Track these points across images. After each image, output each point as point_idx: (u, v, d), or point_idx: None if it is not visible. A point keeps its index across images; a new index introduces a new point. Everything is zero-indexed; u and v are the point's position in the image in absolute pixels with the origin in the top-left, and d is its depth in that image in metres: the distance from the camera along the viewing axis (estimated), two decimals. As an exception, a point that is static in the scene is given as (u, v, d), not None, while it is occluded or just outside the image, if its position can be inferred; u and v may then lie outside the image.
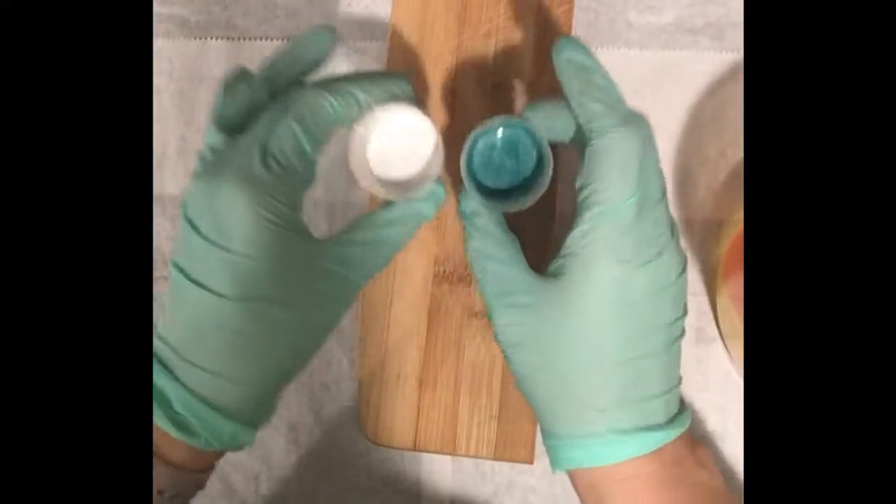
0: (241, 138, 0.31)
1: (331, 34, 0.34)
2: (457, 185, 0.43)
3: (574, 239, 0.30)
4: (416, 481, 0.44)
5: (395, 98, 0.33)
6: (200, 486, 0.34)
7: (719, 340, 0.43)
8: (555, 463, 0.33)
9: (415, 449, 0.42)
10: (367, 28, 0.46)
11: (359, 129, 0.33)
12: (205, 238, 0.30)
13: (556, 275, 0.31)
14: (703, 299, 0.44)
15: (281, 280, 0.30)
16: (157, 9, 0.47)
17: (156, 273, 0.45)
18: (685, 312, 0.33)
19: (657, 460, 0.30)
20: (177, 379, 0.31)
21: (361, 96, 0.32)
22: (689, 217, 0.44)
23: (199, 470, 0.33)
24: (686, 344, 0.43)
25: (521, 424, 0.42)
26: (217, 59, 0.46)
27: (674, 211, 0.44)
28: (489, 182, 0.35)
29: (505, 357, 0.33)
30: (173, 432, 0.30)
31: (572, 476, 0.33)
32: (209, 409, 0.31)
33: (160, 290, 0.45)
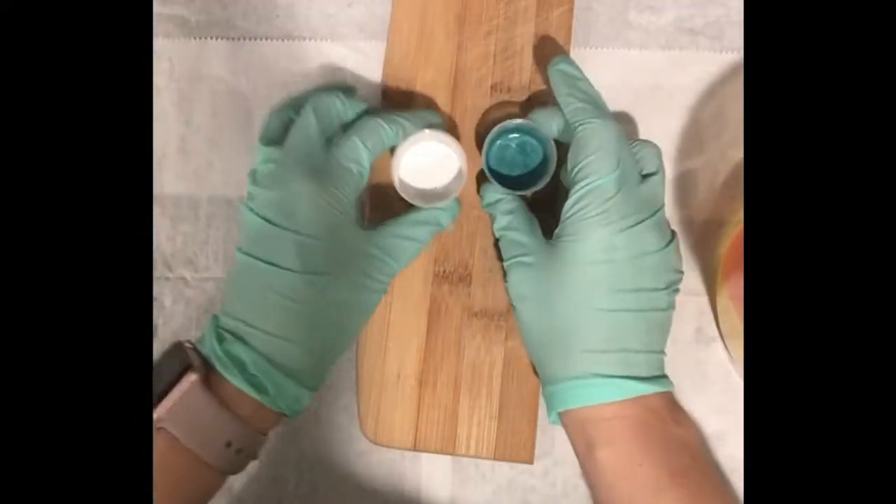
0: (294, 141, 0.38)
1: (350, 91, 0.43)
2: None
3: (567, 206, 0.37)
4: (416, 481, 0.44)
5: (430, 126, 0.42)
6: (259, 447, 0.38)
7: (719, 340, 0.43)
8: (550, 408, 0.38)
9: (415, 449, 0.42)
10: (368, 28, 0.46)
11: (403, 146, 0.41)
12: (276, 225, 0.37)
13: (555, 238, 0.38)
14: (703, 299, 0.44)
15: (338, 258, 0.37)
16: (157, 9, 0.47)
17: (156, 273, 0.45)
18: (667, 287, 0.37)
19: (637, 406, 0.35)
20: (250, 345, 0.36)
21: (407, 125, 0.40)
22: (689, 217, 0.44)
23: (262, 429, 0.37)
24: (686, 344, 0.43)
25: (521, 424, 0.42)
26: (217, 59, 0.46)
27: (674, 211, 0.44)
28: (504, 173, 0.43)
29: (513, 310, 0.39)
30: (248, 390, 0.36)
31: (565, 421, 0.38)
32: (277, 370, 0.36)
33: (160, 290, 0.45)
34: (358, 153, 0.39)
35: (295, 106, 0.40)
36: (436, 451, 0.42)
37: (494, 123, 0.42)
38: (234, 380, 0.36)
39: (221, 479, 0.37)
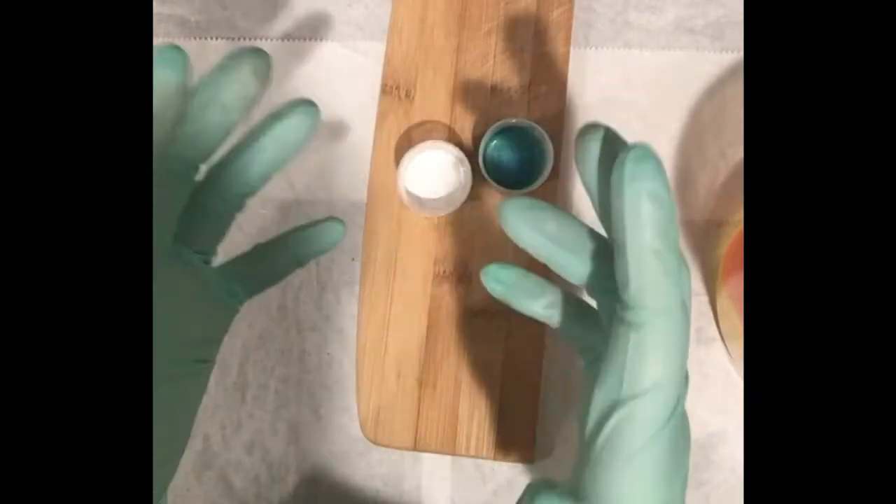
0: None
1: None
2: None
3: (597, 453, 0.26)
4: (416, 481, 0.44)
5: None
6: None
7: (719, 340, 0.43)
8: None
9: (415, 449, 0.42)
10: (367, 28, 0.46)
11: (404, 158, 0.42)
12: None
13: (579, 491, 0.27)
14: (703, 299, 0.44)
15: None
16: (157, 9, 0.47)
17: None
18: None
19: None
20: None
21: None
22: (689, 217, 0.44)
23: None
24: (686, 344, 0.43)
25: (521, 424, 0.42)
26: (217, 59, 0.46)
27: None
28: (501, 172, 0.43)
29: None
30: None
31: None
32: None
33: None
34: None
35: None
36: (436, 451, 0.42)
37: (494, 123, 0.42)
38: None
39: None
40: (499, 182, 0.42)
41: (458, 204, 0.42)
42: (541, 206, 0.27)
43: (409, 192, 0.43)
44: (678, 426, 0.26)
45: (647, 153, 0.23)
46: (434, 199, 0.43)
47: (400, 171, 0.42)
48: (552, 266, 0.27)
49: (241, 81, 0.29)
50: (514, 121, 0.42)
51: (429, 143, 0.42)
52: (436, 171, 0.43)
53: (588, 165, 0.26)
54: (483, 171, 0.42)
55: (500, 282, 0.30)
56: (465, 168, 0.42)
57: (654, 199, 0.23)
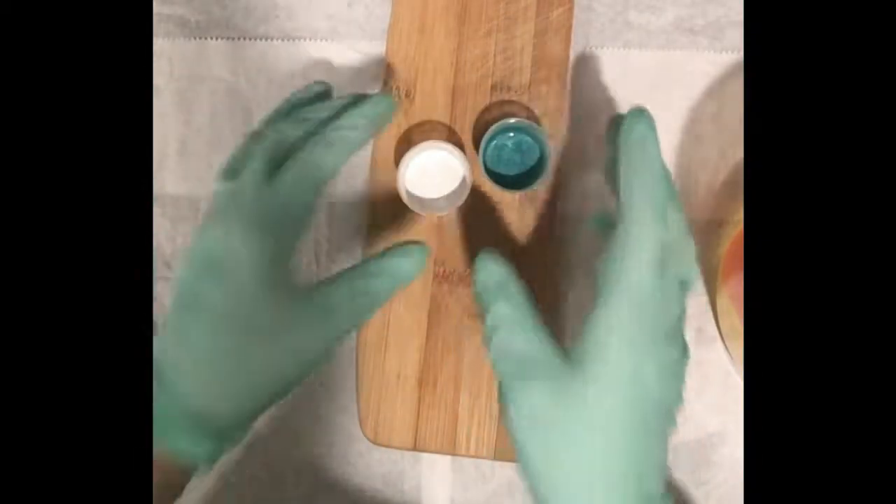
0: (243, 184, 0.33)
1: (324, 86, 0.38)
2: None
3: (594, 324, 0.31)
4: (416, 481, 0.44)
5: (385, 119, 0.36)
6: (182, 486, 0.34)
7: (719, 340, 0.43)
8: None
9: (415, 449, 0.42)
10: (367, 28, 0.46)
11: (404, 159, 0.42)
12: (202, 279, 0.32)
13: (575, 361, 0.31)
14: (703, 299, 0.44)
15: (266, 330, 0.32)
16: (157, 9, 0.47)
17: (156, 273, 0.45)
18: (682, 399, 0.33)
19: None
20: (161, 383, 0.32)
21: (356, 138, 0.35)
22: (689, 217, 0.44)
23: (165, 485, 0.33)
24: (686, 344, 0.43)
25: (521, 424, 0.42)
26: (217, 59, 0.46)
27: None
28: (501, 172, 0.43)
29: (508, 431, 0.32)
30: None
31: None
32: (180, 419, 0.32)
33: (160, 290, 0.45)
34: (303, 195, 0.33)
35: (258, 137, 0.35)
36: (436, 451, 0.42)
37: (494, 123, 0.42)
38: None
39: None
40: (499, 182, 0.42)
41: (458, 203, 0.42)
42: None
43: (409, 193, 0.42)
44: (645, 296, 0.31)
45: (642, 113, 0.33)
46: (434, 199, 0.43)
47: (400, 171, 0.42)
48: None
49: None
50: (513, 121, 0.41)
51: (429, 143, 0.42)
52: (436, 171, 0.42)
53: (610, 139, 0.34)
54: (483, 171, 0.42)
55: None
56: (466, 167, 0.42)
57: (640, 145, 0.32)
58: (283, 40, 0.46)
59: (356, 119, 0.35)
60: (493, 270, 0.33)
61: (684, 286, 0.33)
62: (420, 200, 0.43)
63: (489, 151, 0.43)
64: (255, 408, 0.34)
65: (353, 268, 0.34)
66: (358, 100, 0.36)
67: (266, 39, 0.46)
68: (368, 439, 0.43)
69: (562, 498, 0.31)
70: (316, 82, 0.39)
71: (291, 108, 0.37)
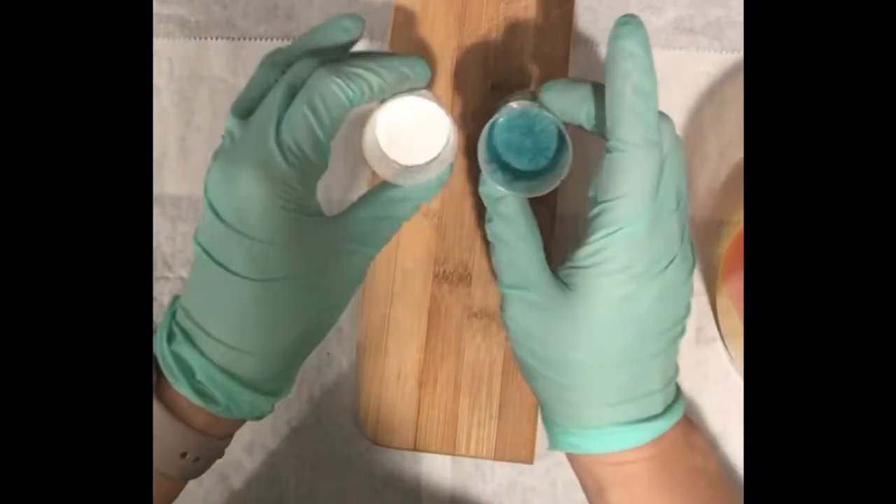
0: (255, 124, 0.32)
1: (355, 23, 0.34)
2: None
3: (586, 253, 0.31)
4: (416, 481, 0.44)
5: (409, 82, 0.33)
6: (220, 453, 0.35)
7: (719, 340, 0.43)
8: (554, 444, 0.34)
9: (415, 449, 0.42)
10: (368, 28, 0.46)
11: (375, 114, 0.34)
12: (224, 222, 0.31)
13: (566, 283, 0.32)
14: (703, 299, 0.44)
15: (298, 262, 0.32)
16: (157, 9, 0.47)
17: (156, 273, 0.45)
18: (689, 311, 0.33)
19: (653, 446, 0.32)
20: (199, 349, 0.32)
21: (375, 81, 0.32)
22: (689, 217, 0.44)
23: (220, 436, 0.34)
24: (686, 344, 0.43)
25: (521, 424, 0.42)
26: (217, 59, 0.46)
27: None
28: (511, 162, 0.35)
29: (510, 339, 0.34)
30: (195, 400, 0.32)
31: (570, 457, 0.35)
32: (229, 379, 0.32)
33: (160, 290, 0.45)
34: (309, 132, 0.31)
35: (270, 68, 0.33)
36: (436, 452, 0.42)
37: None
38: (181, 388, 0.32)
39: (181, 486, 0.35)
40: (507, 185, 0.34)
41: (443, 166, 0.35)
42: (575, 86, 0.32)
43: (379, 157, 0.35)
44: (641, 234, 0.30)
45: (628, 18, 0.30)
46: (413, 166, 0.35)
47: (366, 133, 0.34)
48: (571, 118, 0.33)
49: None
50: (516, 105, 0.34)
51: (403, 96, 0.33)
52: (412, 130, 0.34)
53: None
54: (486, 170, 0.34)
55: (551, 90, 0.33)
56: (446, 118, 0.34)
57: (627, 55, 0.29)
58: (283, 40, 0.46)
59: (381, 65, 0.32)
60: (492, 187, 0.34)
61: (679, 196, 0.32)
62: (397, 169, 0.35)
63: (497, 138, 0.34)
64: (290, 359, 0.34)
65: (373, 193, 0.35)
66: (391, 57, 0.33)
67: (266, 39, 0.46)
68: (368, 439, 0.43)
69: (556, 407, 0.33)
70: (348, 16, 0.34)
71: (313, 50, 0.34)
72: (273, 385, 0.34)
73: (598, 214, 0.30)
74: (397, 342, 0.43)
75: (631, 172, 0.29)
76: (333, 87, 0.31)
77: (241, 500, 0.44)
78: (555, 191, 0.40)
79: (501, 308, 0.34)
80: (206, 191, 0.33)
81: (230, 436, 0.36)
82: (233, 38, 0.46)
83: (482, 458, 0.42)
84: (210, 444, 0.33)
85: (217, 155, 0.33)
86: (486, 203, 0.35)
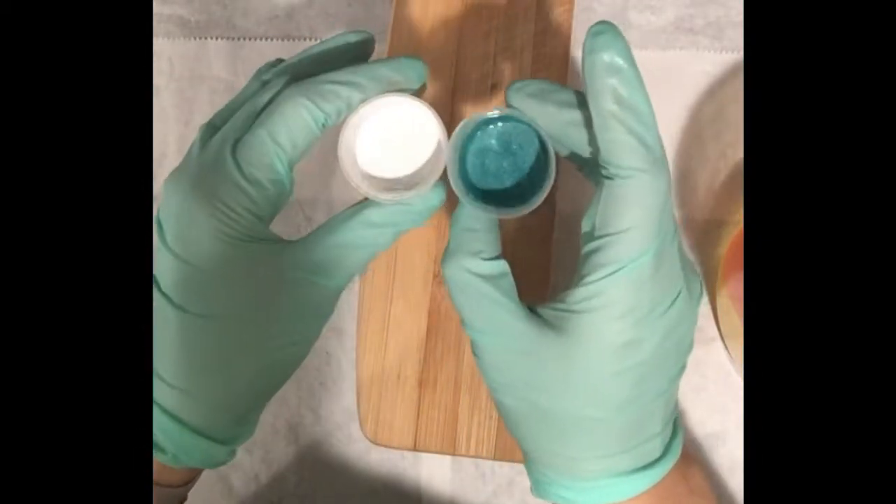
0: (213, 144, 0.29)
1: (360, 37, 0.32)
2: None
3: (581, 296, 0.27)
4: (416, 481, 0.44)
5: (402, 88, 0.29)
6: (181, 500, 0.33)
7: (719, 340, 0.43)
8: (540, 493, 0.31)
9: (415, 449, 0.42)
10: (367, 28, 0.46)
11: (352, 120, 0.29)
12: (169, 249, 0.29)
13: (558, 327, 0.27)
14: (703, 299, 0.44)
15: (247, 295, 0.28)
16: (157, 9, 0.47)
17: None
18: (692, 345, 0.30)
19: (651, 494, 0.29)
20: None
21: (356, 98, 0.28)
22: (689, 217, 0.44)
23: (175, 485, 0.31)
24: (686, 344, 0.43)
25: (521, 424, 0.42)
26: (217, 59, 0.46)
27: (674, 211, 0.44)
28: (487, 185, 0.30)
29: (488, 386, 0.30)
30: None
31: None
32: (176, 424, 0.29)
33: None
34: (266, 159, 0.28)
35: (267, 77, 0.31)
36: (436, 452, 0.42)
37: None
38: None
39: None
40: (482, 200, 0.30)
41: (422, 186, 0.29)
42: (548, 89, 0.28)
43: (357, 172, 0.30)
44: (645, 272, 0.26)
45: (603, 27, 0.25)
46: (397, 179, 0.30)
47: (342, 142, 0.29)
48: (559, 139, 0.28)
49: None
50: (494, 113, 0.29)
51: (386, 98, 0.29)
52: (396, 138, 0.30)
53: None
54: (457, 188, 0.29)
55: (525, 91, 0.28)
56: (436, 123, 0.29)
57: (609, 69, 0.25)
58: (283, 40, 0.46)
59: (365, 77, 0.28)
60: (462, 212, 0.29)
61: (673, 215, 0.28)
62: (379, 184, 0.30)
63: (469, 158, 0.30)
64: (247, 401, 0.31)
65: (347, 214, 0.29)
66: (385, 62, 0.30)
67: (266, 39, 0.46)
68: (368, 439, 0.43)
69: (544, 457, 0.29)
70: (355, 32, 0.31)
71: (318, 62, 0.31)
72: (228, 432, 0.30)
73: (596, 251, 0.26)
74: (397, 342, 0.43)
75: (635, 202, 0.26)
76: (300, 111, 0.28)
77: (242, 499, 0.44)
78: (555, 191, 0.39)
79: (474, 353, 0.29)
80: (159, 209, 0.30)
81: (189, 482, 0.33)
82: (233, 38, 0.46)
83: (482, 458, 0.42)
84: (163, 493, 0.30)
85: (172, 171, 0.30)
86: (454, 232, 0.29)
